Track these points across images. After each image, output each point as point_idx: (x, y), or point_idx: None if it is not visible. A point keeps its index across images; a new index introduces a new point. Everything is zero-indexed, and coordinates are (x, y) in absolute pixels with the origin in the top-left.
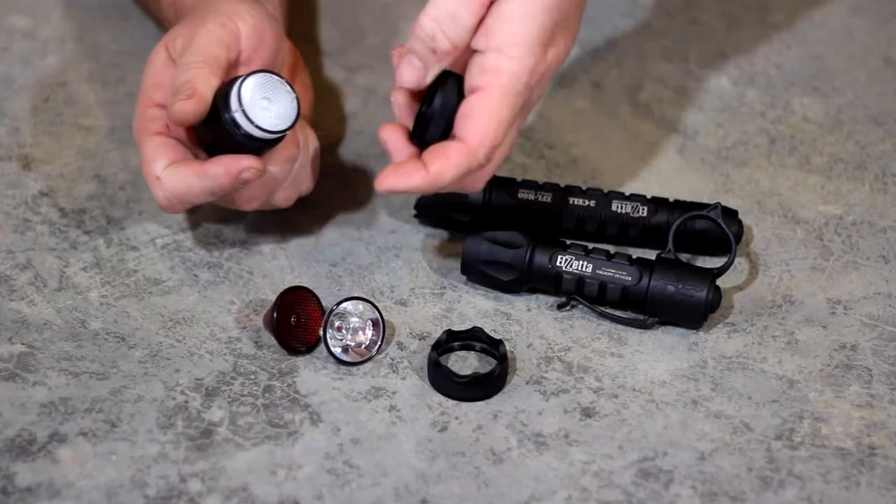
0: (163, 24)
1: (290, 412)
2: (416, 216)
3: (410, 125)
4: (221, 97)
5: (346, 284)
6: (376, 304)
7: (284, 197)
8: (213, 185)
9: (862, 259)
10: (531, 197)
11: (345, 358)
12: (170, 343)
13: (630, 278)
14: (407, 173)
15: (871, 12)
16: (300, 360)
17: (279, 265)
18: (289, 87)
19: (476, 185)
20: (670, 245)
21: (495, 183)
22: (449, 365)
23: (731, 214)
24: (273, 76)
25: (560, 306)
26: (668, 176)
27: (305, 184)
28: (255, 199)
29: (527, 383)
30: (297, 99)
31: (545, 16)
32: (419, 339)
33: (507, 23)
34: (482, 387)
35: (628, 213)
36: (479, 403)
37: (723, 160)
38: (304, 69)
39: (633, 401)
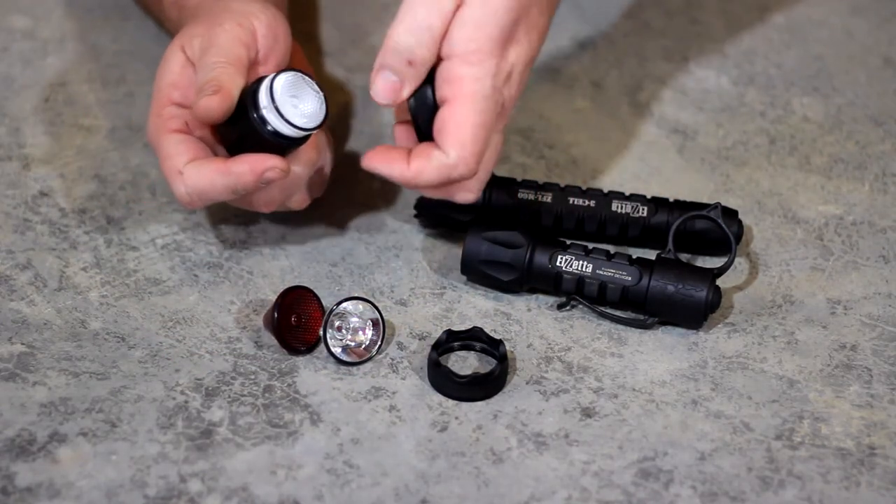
0: (164, 24)
1: (290, 412)
2: (416, 216)
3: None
4: (249, 95)
5: (346, 284)
6: (376, 304)
7: (300, 200)
8: (237, 183)
9: (862, 259)
10: (531, 197)
11: (345, 358)
12: (170, 343)
13: (630, 278)
14: (391, 159)
15: (871, 12)
16: (300, 360)
17: (279, 265)
18: (316, 87)
19: (468, 195)
20: (670, 245)
21: (495, 183)
22: (449, 365)
23: (731, 214)
24: (302, 76)
25: (560, 306)
26: (668, 176)
27: (320, 188)
28: (273, 202)
29: (527, 383)
30: (326, 99)
31: (504, 15)
32: (419, 339)
33: (466, 28)
34: (482, 387)
35: (628, 213)
36: (479, 403)
37: (723, 160)
38: (309, 69)
39: (633, 401)
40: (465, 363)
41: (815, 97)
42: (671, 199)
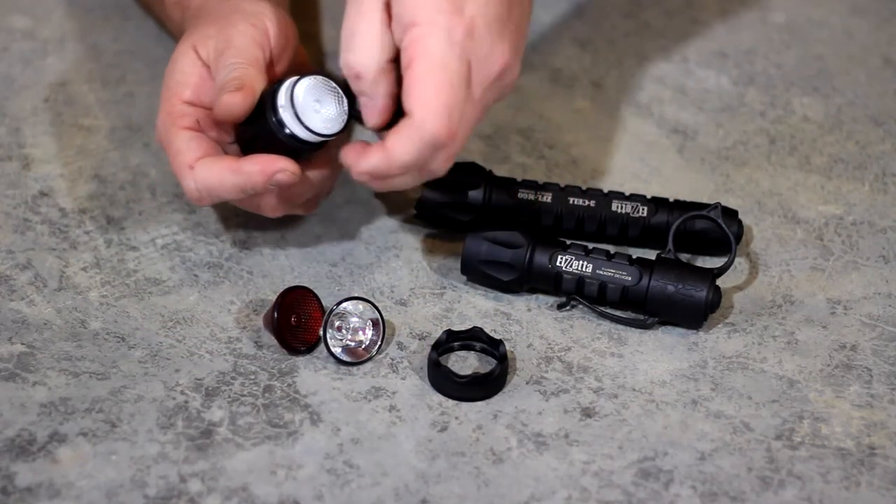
0: (165, 24)
1: (290, 412)
2: (416, 216)
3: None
4: (269, 97)
5: (346, 284)
6: (376, 304)
7: (307, 205)
8: (246, 183)
9: (862, 259)
10: (531, 197)
11: (345, 358)
12: (170, 343)
13: (630, 278)
14: (366, 154)
15: (871, 12)
16: (300, 360)
17: (279, 265)
18: (339, 92)
19: (444, 162)
20: (670, 245)
21: (495, 183)
22: (449, 365)
23: (731, 214)
24: (325, 80)
25: (560, 306)
26: (668, 176)
27: (328, 192)
28: (280, 208)
29: (527, 383)
30: (347, 103)
31: None
32: (419, 339)
33: (404, 2)
34: (482, 387)
35: (628, 213)
36: (479, 403)
37: (723, 160)
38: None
39: (633, 401)
40: (465, 363)
41: (815, 97)
42: (671, 199)
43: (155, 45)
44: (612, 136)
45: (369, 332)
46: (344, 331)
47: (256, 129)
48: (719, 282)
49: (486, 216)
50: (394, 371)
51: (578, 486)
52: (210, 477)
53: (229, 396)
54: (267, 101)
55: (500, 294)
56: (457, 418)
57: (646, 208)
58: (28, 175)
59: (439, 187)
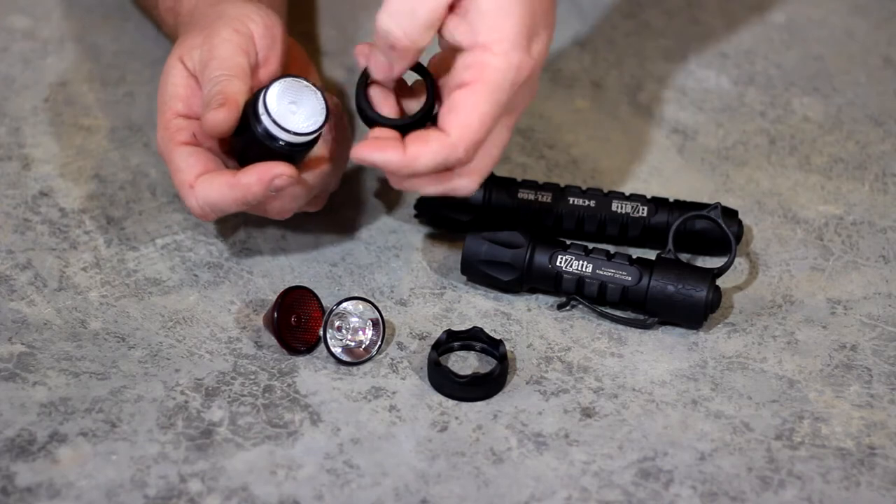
0: (161, 28)
1: (290, 412)
2: (416, 216)
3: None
4: (251, 107)
5: (346, 284)
6: (376, 304)
7: (316, 202)
8: (246, 195)
9: (862, 259)
10: (531, 197)
11: (345, 358)
12: (170, 343)
13: (630, 278)
14: (384, 147)
15: (871, 12)
16: (300, 360)
17: (279, 265)
18: (312, 87)
19: (469, 184)
20: (670, 245)
21: (495, 183)
22: (449, 365)
23: (731, 214)
24: (296, 79)
25: (560, 306)
26: (668, 176)
27: (335, 187)
28: (287, 211)
29: (527, 383)
30: (324, 96)
31: (524, 7)
32: (419, 339)
33: (488, 17)
34: (482, 387)
35: (628, 213)
36: (479, 403)
37: (723, 160)
38: (312, 67)
39: (633, 401)
40: (465, 363)
41: (815, 97)
42: (671, 199)
43: (155, 45)
44: (612, 136)
45: (369, 332)
46: (344, 331)
47: (246, 140)
48: (719, 282)
49: (486, 216)
50: (394, 371)
51: (578, 486)
52: (210, 477)
53: (229, 396)
54: (250, 112)
55: (500, 294)
56: (457, 418)
57: (646, 208)
58: (28, 175)
59: None
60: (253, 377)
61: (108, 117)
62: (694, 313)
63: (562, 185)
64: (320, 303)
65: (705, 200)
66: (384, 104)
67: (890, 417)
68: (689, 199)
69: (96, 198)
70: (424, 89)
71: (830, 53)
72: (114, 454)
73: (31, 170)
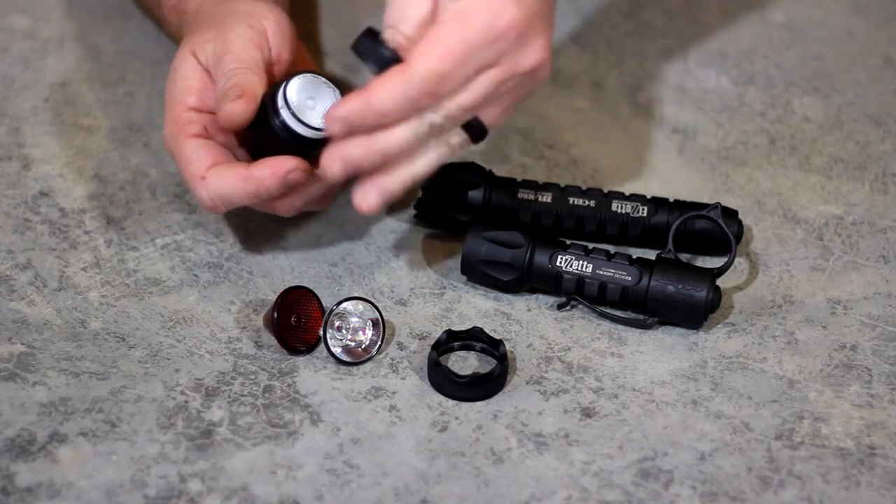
0: (163, 27)
1: (290, 412)
2: (416, 216)
3: None
4: (269, 100)
5: (346, 284)
6: (376, 304)
7: (323, 199)
8: (259, 188)
9: (862, 259)
10: (531, 197)
11: (345, 358)
12: (170, 343)
13: (630, 278)
14: (346, 99)
15: (871, 12)
16: (300, 360)
17: (279, 265)
18: (330, 85)
19: (445, 120)
20: (670, 245)
21: (495, 183)
22: (449, 365)
23: (731, 214)
24: (314, 75)
25: (560, 306)
26: (668, 176)
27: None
28: (296, 207)
29: (527, 383)
30: (341, 93)
31: None
32: (419, 339)
33: None
34: (482, 387)
35: (628, 213)
36: (479, 403)
37: (723, 160)
38: (317, 68)
39: (633, 401)
40: (465, 363)
41: (815, 97)
42: (671, 199)
43: (155, 45)
44: (612, 136)
45: (369, 332)
46: (344, 331)
47: (262, 133)
48: (719, 282)
49: (486, 216)
50: (394, 371)
51: (578, 486)
52: (210, 477)
53: (229, 396)
54: (268, 105)
55: (500, 294)
56: (457, 418)
57: (646, 208)
58: (28, 175)
59: (439, 187)
60: (253, 377)
61: (108, 117)
62: (694, 313)
63: (562, 185)
64: (320, 303)
65: (705, 200)
66: None
67: (890, 417)
68: (689, 199)
69: (96, 198)
70: None
71: (830, 53)
72: (114, 454)
73: (31, 170)
